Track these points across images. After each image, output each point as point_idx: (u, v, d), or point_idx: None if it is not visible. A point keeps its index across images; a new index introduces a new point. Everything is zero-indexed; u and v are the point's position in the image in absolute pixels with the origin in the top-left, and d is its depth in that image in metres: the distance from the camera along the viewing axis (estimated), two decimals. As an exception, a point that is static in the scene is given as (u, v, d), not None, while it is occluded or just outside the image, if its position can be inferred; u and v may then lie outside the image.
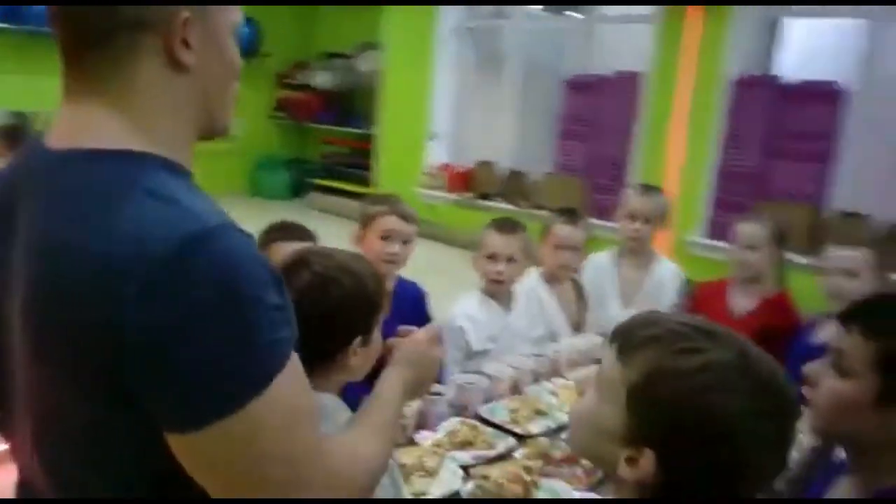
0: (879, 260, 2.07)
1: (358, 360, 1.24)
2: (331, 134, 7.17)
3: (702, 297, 2.51)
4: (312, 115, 7.20)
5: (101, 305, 0.68)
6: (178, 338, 0.68)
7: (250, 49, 6.83)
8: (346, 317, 1.21)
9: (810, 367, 1.08)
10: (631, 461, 0.84)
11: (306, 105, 7.24)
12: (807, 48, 4.89)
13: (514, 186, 5.70)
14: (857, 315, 1.03)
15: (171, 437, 0.71)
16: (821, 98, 4.55)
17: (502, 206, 5.59)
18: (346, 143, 7.23)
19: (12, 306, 0.76)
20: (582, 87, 5.46)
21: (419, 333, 1.21)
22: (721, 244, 4.68)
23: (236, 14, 0.85)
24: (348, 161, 7.18)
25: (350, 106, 7.18)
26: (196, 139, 0.86)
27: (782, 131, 4.69)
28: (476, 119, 6.31)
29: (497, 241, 2.19)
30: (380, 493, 1.22)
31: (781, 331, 2.27)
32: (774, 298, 2.39)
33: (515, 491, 1.55)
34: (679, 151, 4.95)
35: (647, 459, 0.82)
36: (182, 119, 0.83)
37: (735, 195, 4.83)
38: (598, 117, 5.38)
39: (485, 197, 5.74)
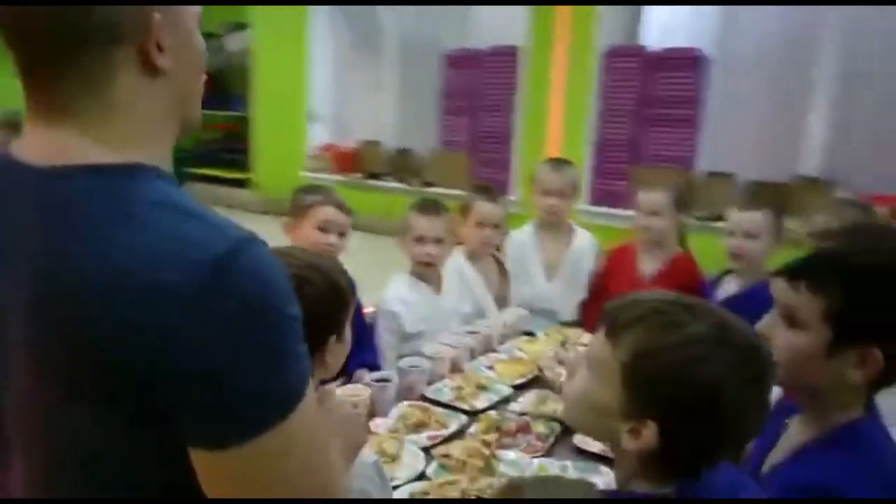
0: (776, 221, 2.27)
1: (332, 357, 1.25)
2: (204, 119, 6.85)
3: (614, 262, 2.66)
4: (182, 100, 6.87)
5: (133, 325, 0.66)
6: (216, 354, 0.67)
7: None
8: (321, 315, 1.21)
9: (762, 325, 1.20)
10: (633, 432, 0.92)
11: (173, 89, 6.87)
12: (669, 19, 5.19)
13: (401, 164, 5.72)
14: (804, 273, 1.15)
15: (197, 454, 0.70)
16: (685, 66, 4.86)
17: (391, 185, 5.61)
18: (220, 127, 6.95)
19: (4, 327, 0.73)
20: (461, 62, 5.53)
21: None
22: (603, 210, 4.96)
23: (197, 5, 0.83)
24: (224, 146, 6.91)
25: (222, 88, 6.89)
26: (175, 140, 0.85)
27: (652, 99, 4.97)
28: (357, 98, 6.26)
29: (423, 224, 2.22)
30: (374, 491, 1.24)
31: (688, 289, 2.45)
32: (678, 259, 2.57)
33: (478, 465, 1.61)
34: (559, 123, 5.14)
35: (650, 430, 0.90)
36: (162, 124, 0.80)
37: (612, 162, 5.09)
38: (479, 92, 5.48)
39: (373, 176, 5.73)
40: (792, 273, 1.16)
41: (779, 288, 1.19)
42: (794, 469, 1.16)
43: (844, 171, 4.47)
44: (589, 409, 0.99)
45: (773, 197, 4.28)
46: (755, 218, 2.26)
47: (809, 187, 4.45)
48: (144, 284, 0.66)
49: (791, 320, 1.15)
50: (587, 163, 5.12)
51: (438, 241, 2.23)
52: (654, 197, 2.49)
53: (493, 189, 2.52)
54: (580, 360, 1.03)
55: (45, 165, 0.73)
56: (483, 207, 2.42)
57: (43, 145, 0.75)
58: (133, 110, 0.76)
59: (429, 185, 5.45)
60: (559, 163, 2.69)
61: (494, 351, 2.28)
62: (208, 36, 6.81)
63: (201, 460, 0.71)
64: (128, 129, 0.76)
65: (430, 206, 2.27)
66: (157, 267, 0.66)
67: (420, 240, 2.23)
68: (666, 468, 0.94)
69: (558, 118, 5.14)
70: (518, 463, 1.64)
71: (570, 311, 2.65)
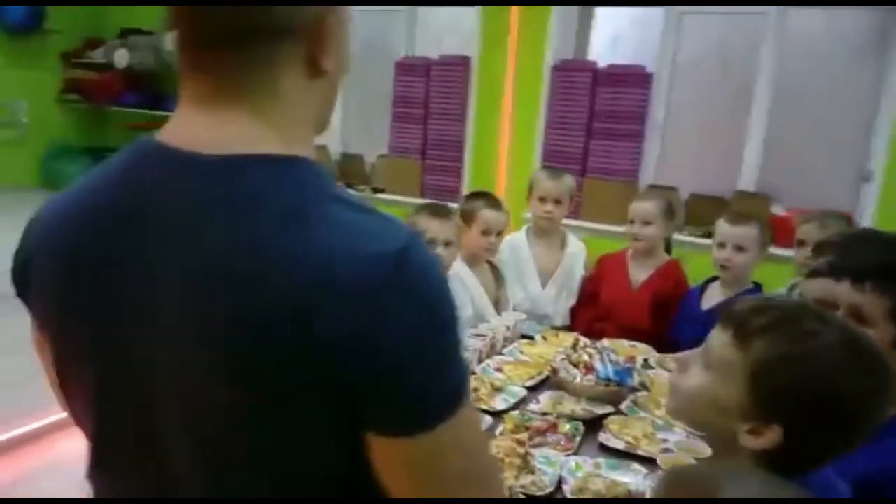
0: (763, 235, 2.41)
1: None
2: (138, 118, 6.56)
3: (605, 269, 2.75)
4: (114, 98, 6.56)
5: (317, 320, 0.66)
6: (398, 348, 0.68)
7: (31, 26, 6.11)
8: None
9: None
10: (754, 432, 0.97)
11: (105, 86, 6.57)
12: (615, 34, 5.38)
13: (350, 170, 5.69)
14: (870, 275, 1.25)
15: (377, 440, 0.72)
16: (631, 82, 5.03)
17: (339, 190, 5.56)
18: (156, 127, 6.65)
19: (154, 315, 0.73)
20: (412, 69, 5.56)
21: None
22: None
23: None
24: (160, 148, 6.62)
25: (160, 87, 6.64)
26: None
27: (600, 113, 5.12)
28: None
29: (434, 226, 2.25)
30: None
31: (675, 296, 2.57)
32: (667, 267, 2.68)
33: (516, 463, 1.64)
34: (510, 133, 5.24)
35: (774, 433, 0.95)
36: (313, 121, 0.83)
37: (562, 173, 5.22)
38: (430, 100, 5.51)
39: (321, 181, 5.66)
40: (858, 275, 1.26)
41: (841, 290, 1.28)
42: (855, 455, 1.25)
43: (778, 186, 4.74)
44: (705, 406, 1.02)
45: (713, 210, 4.51)
46: (746, 232, 2.39)
47: (748, 201, 4.69)
48: (328, 278, 0.66)
49: (858, 318, 1.24)
50: (537, 173, 5.22)
51: (448, 243, 2.26)
52: (646, 206, 2.60)
53: (497, 198, 2.57)
54: (693, 357, 1.07)
55: (211, 154, 0.73)
56: (488, 214, 2.47)
57: (206, 133, 0.74)
58: (294, 106, 0.77)
59: (378, 191, 5.44)
60: (556, 171, 2.76)
61: (499, 353, 2.32)
62: (140, 33, 6.62)
63: (377, 445, 0.72)
64: (289, 123, 0.77)
65: (440, 210, 2.29)
66: (340, 261, 0.67)
67: (430, 242, 2.25)
68: (780, 466, 0.99)
69: (509, 128, 5.23)
70: (553, 461, 1.68)
71: (562, 315, 2.72)
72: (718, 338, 1.02)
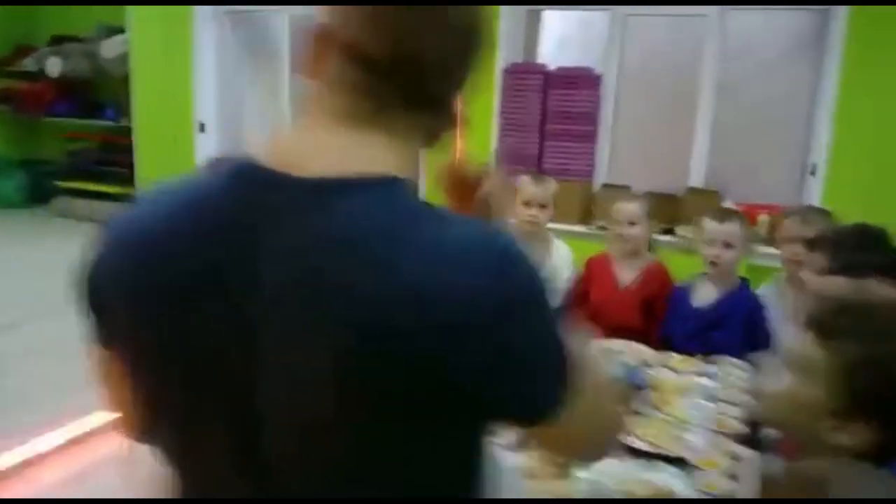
0: (747, 231, 2.49)
1: None
2: (75, 128, 6.32)
3: (593, 271, 2.79)
4: (47, 108, 6.28)
5: (445, 330, 0.68)
6: (529, 345, 0.72)
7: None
8: None
9: None
10: (845, 430, 1.00)
11: (37, 96, 6.29)
12: (563, 37, 5.48)
13: (304, 177, 5.60)
14: (893, 269, 1.32)
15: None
16: (582, 83, 5.13)
17: (293, 198, 5.47)
18: (95, 137, 6.42)
19: (257, 337, 0.72)
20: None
21: None
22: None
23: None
24: (100, 158, 6.38)
25: (95, 96, 6.40)
26: None
27: (552, 115, 5.20)
28: (250, 106, 6.04)
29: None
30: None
31: (661, 296, 2.63)
32: (653, 267, 2.74)
33: (552, 471, 1.66)
34: (465, 136, 5.25)
35: (866, 430, 0.99)
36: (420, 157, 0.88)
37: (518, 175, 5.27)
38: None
39: (273, 189, 5.55)
40: (884, 271, 1.34)
41: (870, 285, 1.36)
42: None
43: (726, 181, 4.91)
44: (791, 407, 1.06)
45: (667, 207, 4.64)
46: (732, 229, 2.46)
47: (699, 197, 4.85)
48: (450, 289, 0.68)
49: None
50: (493, 175, 5.26)
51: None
52: (631, 207, 2.65)
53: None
54: (776, 360, 1.10)
55: (316, 177, 0.73)
56: None
57: (338, 152, 0.76)
58: (408, 157, 0.83)
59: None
60: (539, 177, 2.80)
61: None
62: (74, 40, 6.35)
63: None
64: (400, 167, 0.80)
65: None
66: (457, 270, 0.69)
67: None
68: (868, 458, 1.02)
69: (464, 131, 5.25)
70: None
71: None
72: (801, 340, 1.05)
